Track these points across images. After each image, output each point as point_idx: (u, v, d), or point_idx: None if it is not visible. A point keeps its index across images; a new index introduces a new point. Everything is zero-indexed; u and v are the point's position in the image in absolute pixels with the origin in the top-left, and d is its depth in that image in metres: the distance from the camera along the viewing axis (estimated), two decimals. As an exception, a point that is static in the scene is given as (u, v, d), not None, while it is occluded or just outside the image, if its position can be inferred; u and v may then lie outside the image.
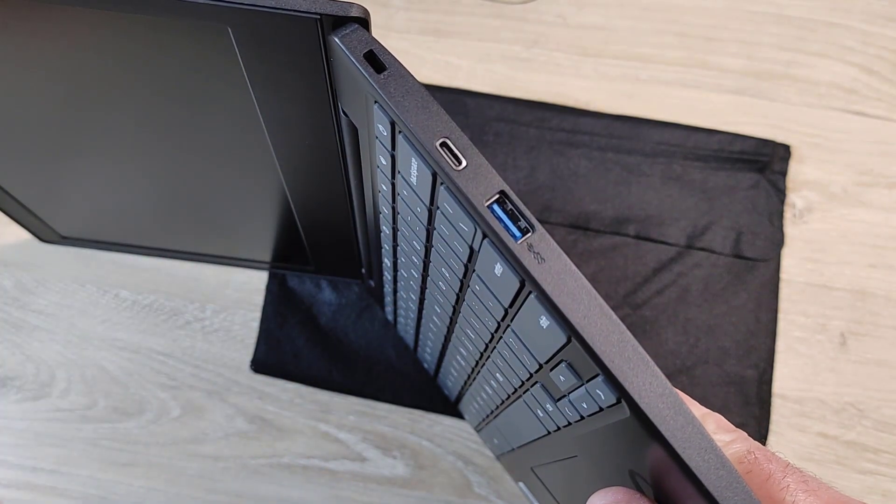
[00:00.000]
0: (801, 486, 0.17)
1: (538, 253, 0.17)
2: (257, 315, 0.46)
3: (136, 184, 0.35)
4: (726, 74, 0.51)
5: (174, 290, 0.47)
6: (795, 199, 0.48)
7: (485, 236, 0.18)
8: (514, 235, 0.17)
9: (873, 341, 0.45)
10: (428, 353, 0.39)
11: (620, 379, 0.15)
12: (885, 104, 0.50)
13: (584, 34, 0.52)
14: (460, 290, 0.23)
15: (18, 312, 0.46)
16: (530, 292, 0.17)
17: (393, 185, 0.23)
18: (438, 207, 0.20)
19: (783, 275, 0.46)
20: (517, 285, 0.18)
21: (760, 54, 0.51)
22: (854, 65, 0.51)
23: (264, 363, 0.45)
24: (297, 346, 0.45)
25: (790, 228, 0.47)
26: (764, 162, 0.48)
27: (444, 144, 0.18)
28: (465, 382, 0.34)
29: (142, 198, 0.38)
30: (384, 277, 0.36)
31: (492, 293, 0.20)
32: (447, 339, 0.31)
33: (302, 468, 0.43)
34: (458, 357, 0.32)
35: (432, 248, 0.24)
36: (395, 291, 0.36)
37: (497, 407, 0.30)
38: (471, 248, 0.20)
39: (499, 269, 0.18)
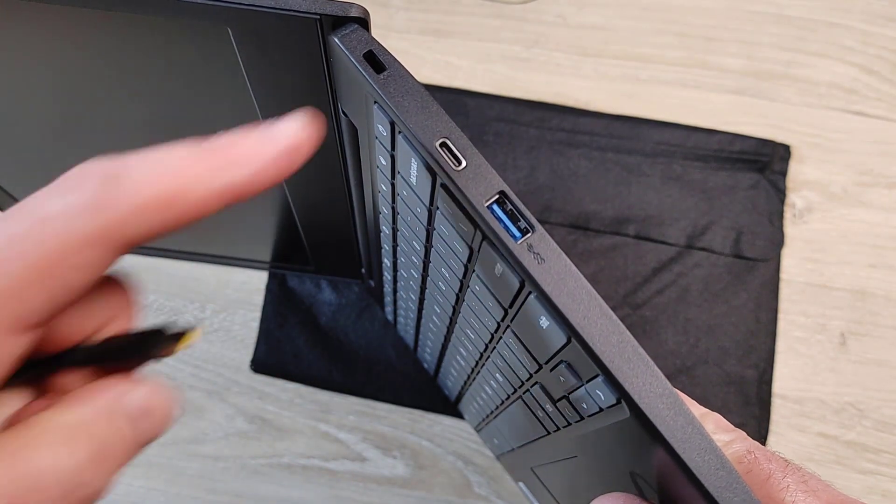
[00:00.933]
0: (800, 487, 0.17)
1: (538, 253, 0.17)
2: (257, 315, 0.46)
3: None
4: (726, 74, 0.51)
5: (174, 290, 0.47)
6: (795, 199, 0.48)
7: (484, 236, 0.18)
8: (513, 236, 0.17)
9: (873, 341, 0.45)
10: (428, 353, 0.39)
11: (620, 379, 0.15)
12: (885, 104, 0.50)
13: (584, 34, 0.52)
14: (460, 290, 0.23)
15: (18, 312, 0.46)
16: (530, 292, 0.17)
17: (393, 185, 0.23)
18: (438, 207, 0.20)
19: (783, 275, 0.46)
20: (517, 286, 0.18)
21: (760, 54, 0.51)
22: (854, 65, 0.51)
23: (264, 363, 0.45)
24: (297, 346, 0.45)
25: (790, 228, 0.47)
26: (764, 162, 0.48)
27: (443, 144, 0.18)
28: (465, 382, 0.34)
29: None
30: (384, 277, 0.36)
31: (492, 293, 0.20)
32: (447, 339, 0.31)
33: (302, 468, 0.43)
34: (457, 357, 0.32)
35: (432, 249, 0.24)
36: (395, 291, 0.36)
37: (497, 407, 0.30)
38: (470, 248, 0.19)
39: (499, 269, 0.18)
